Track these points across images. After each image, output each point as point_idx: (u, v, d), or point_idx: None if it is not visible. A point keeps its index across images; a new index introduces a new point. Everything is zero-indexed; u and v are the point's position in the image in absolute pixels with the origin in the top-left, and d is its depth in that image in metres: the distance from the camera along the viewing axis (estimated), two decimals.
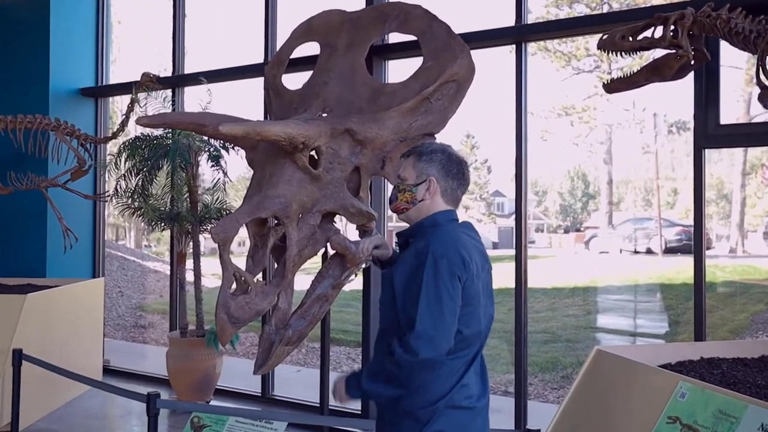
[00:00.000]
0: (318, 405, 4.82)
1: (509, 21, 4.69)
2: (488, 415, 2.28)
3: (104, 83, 7.01)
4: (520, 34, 4.63)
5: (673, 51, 3.31)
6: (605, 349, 2.78)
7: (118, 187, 5.67)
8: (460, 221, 2.35)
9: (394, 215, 2.50)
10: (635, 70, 3.51)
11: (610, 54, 3.50)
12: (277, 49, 4.68)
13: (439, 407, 2.12)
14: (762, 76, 2.93)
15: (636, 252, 13.38)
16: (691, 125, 4.04)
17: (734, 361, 2.76)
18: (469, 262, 2.15)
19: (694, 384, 2.14)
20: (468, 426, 2.17)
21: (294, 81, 4.39)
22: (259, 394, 5.70)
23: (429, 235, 2.21)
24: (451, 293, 2.08)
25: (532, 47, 5.08)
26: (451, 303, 2.08)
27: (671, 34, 3.29)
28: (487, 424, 2.28)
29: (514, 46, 4.66)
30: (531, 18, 4.75)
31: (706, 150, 4.05)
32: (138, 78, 5.76)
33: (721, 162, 13.16)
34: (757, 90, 3.08)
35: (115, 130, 6.08)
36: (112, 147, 6.81)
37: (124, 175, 5.60)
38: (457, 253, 2.14)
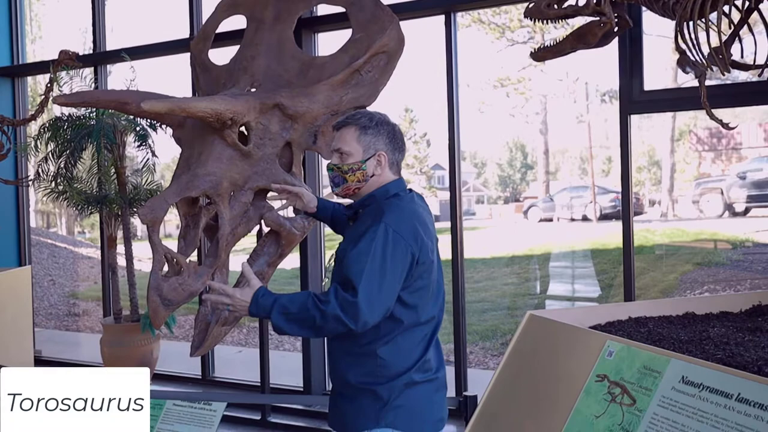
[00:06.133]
0: (259, 384, 4.79)
1: None
2: (447, 386, 2.29)
3: (20, 62, 6.66)
4: (448, 4, 4.61)
5: (597, 18, 3.35)
6: (537, 313, 2.83)
7: (40, 171, 5.43)
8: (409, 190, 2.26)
9: (334, 193, 2.32)
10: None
11: (537, 22, 3.52)
12: (203, 23, 4.53)
13: (398, 385, 2.08)
14: (680, 42, 3.00)
15: (572, 220, 13.73)
16: (619, 95, 4.13)
17: (660, 318, 2.85)
18: (423, 235, 2.09)
19: (620, 342, 2.19)
20: (431, 398, 2.17)
21: (221, 56, 4.26)
22: (200, 377, 5.61)
23: (383, 205, 2.12)
24: (395, 271, 2.01)
25: (466, 19, 5.09)
26: (393, 281, 2.01)
27: (594, 1, 3.33)
28: (446, 394, 2.28)
29: (443, 16, 4.65)
30: None
31: (636, 116, 4.16)
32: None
33: (653, 129, 13.57)
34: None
35: (34, 111, 5.80)
36: (33, 129, 6.50)
37: (46, 157, 5.36)
38: (412, 227, 2.07)
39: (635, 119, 4.16)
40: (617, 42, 3.98)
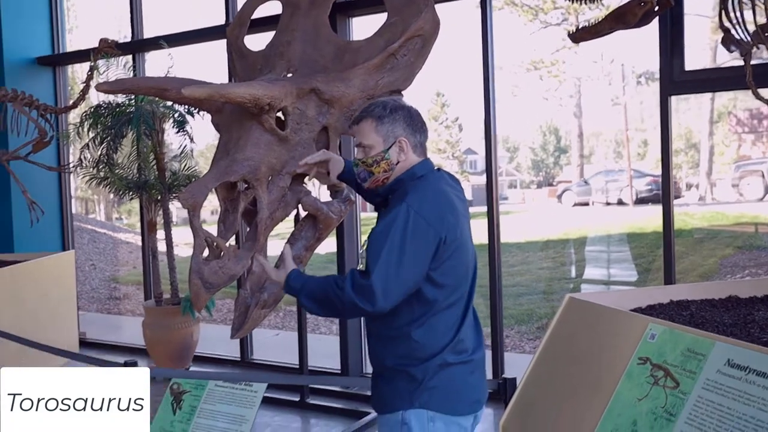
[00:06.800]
0: (297, 367, 4.86)
1: None
2: (485, 368, 2.28)
3: (61, 51, 6.80)
4: None
5: None
6: (577, 296, 2.81)
7: (83, 158, 5.56)
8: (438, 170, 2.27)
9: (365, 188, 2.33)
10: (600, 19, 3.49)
11: (575, 3, 3.47)
12: (238, 9, 4.57)
13: (432, 366, 2.09)
14: (724, 20, 2.93)
15: (608, 204, 13.55)
16: (659, 76, 4.06)
17: (702, 302, 2.81)
18: (449, 215, 2.09)
19: (663, 325, 2.17)
20: (466, 379, 2.16)
21: (257, 42, 4.29)
22: (239, 359, 5.72)
23: (409, 187, 2.13)
24: (415, 253, 2.00)
25: (498, 1, 5.03)
26: (413, 266, 2.00)
27: None
28: (485, 376, 2.28)
29: None
30: None
31: (674, 97, 4.07)
32: (96, 45, 5.60)
33: (690, 111, 13.27)
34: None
35: (75, 99, 5.93)
36: (74, 116, 6.65)
37: (88, 144, 5.48)
38: (437, 208, 2.06)
39: (672, 101, 4.08)
40: (656, 22, 3.90)
